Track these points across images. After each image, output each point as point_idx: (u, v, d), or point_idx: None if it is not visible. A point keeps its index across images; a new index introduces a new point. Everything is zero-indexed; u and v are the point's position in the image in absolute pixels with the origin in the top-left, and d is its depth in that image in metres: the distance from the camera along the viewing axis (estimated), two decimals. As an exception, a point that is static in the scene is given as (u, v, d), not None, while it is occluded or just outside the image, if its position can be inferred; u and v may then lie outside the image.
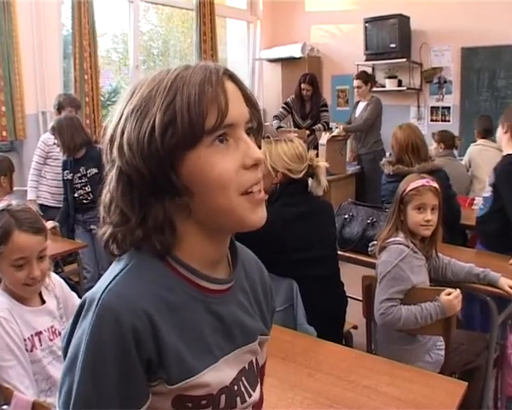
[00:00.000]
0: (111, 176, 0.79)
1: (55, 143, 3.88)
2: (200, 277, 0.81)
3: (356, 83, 5.75)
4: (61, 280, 1.91)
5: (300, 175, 2.31)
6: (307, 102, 5.88)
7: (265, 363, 1.05)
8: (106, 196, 0.80)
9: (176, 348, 0.76)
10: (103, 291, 0.74)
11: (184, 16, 6.70)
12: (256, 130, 0.83)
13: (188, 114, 0.73)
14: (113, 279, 0.76)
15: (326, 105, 5.96)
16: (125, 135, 0.75)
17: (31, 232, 1.63)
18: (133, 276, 0.77)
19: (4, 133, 4.35)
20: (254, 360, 0.94)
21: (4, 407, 1.53)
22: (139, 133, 0.74)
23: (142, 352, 0.73)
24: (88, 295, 0.76)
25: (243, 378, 0.89)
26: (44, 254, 1.69)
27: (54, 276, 1.84)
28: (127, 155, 0.75)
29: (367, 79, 5.76)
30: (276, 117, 5.93)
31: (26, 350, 1.63)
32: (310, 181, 2.38)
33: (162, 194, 0.76)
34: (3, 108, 4.32)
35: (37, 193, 4.12)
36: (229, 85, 0.77)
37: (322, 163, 2.39)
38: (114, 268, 0.79)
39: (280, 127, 5.75)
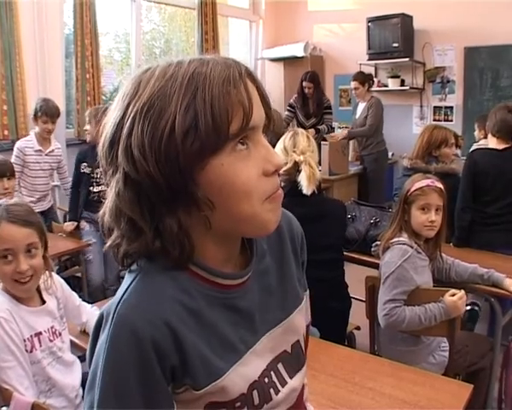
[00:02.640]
0: (116, 181, 0.72)
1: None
2: (216, 274, 0.77)
3: (353, 84, 5.69)
4: (62, 280, 1.89)
5: (285, 168, 2.24)
6: (310, 100, 5.84)
7: (309, 326, 0.98)
8: (112, 202, 0.73)
9: (199, 350, 0.73)
10: (118, 304, 0.71)
11: (187, 15, 6.70)
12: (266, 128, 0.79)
13: (211, 117, 0.67)
14: (127, 290, 0.73)
15: (330, 107, 5.90)
16: (134, 137, 0.68)
17: (18, 224, 1.61)
18: (147, 283, 0.73)
19: (6, 132, 4.36)
20: (302, 339, 0.89)
21: (4, 408, 1.51)
22: (153, 136, 0.67)
23: (164, 363, 0.70)
24: (104, 309, 0.73)
25: (279, 366, 0.85)
26: (34, 249, 1.65)
27: (55, 277, 1.82)
28: (138, 159, 0.68)
29: (364, 79, 5.68)
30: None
31: (26, 351, 1.62)
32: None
33: (176, 203, 0.71)
34: (5, 107, 4.32)
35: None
36: (250, 85, 0.72)
37: (301, 157, 2.25)
38: (128, 279, 0.75)
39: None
